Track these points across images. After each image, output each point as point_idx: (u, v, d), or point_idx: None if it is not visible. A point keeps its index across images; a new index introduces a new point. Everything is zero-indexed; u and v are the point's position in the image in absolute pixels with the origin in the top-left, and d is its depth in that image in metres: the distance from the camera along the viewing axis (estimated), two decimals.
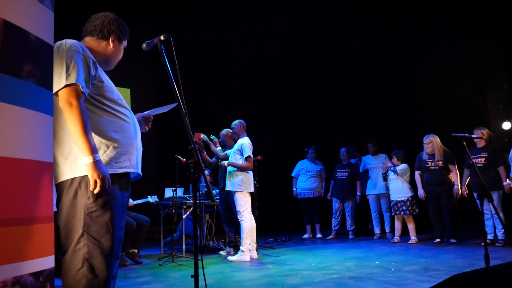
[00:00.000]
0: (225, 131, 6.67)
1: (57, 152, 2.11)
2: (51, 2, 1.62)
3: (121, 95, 2.37)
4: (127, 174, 2.29)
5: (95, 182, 2.03)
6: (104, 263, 2.07)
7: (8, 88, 1.38)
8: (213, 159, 6.61)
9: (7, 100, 1.38)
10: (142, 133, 2.50)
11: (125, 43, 2.50)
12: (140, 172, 2.39)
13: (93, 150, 2.03)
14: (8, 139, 1.38)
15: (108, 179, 2.07)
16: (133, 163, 2.30)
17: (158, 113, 2.71)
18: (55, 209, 1.80)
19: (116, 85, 2.37)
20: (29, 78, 1.48)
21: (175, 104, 2.59)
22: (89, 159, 2.02)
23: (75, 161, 2.09)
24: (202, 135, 6.05)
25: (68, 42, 2.14)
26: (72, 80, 2.03)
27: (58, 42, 2.13)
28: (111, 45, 2.39)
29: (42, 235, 1.55)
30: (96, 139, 2.13)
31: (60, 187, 2.12)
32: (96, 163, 2.03)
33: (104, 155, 2.15)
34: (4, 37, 1.37)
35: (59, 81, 2.04)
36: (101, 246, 2.08)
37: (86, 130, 2.02)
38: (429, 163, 6.70)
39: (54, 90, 2.01)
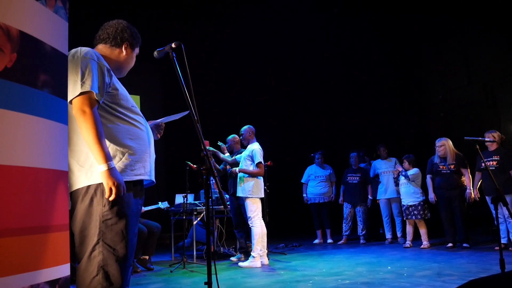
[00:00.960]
0: (231, 136, 6.69)
1: (72, 160, 2.12)
2: (65, 12, 1.64)
3: (134, 103, 2.38)
4: (141, 181, 2.31)
5: (110, 189, 2.04)
6: (119, 271, 2.08)
7: (24, 98, 1.40)
8: (221, 166, 6.63)
9: (23, 109, 1.39)
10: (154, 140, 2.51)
11: (137, 50, 2.52)
12: (154, 179, 2.40)
13: (107, 158, 2.04)
14: (24, 149, 1.40)
15: (123, 186, 2.08)
16: (148, 170, 2.31)
17: (170, 121, 2.72)
18: None
19: (125, 85, 2.39)
20: (44, 88, 1.49)
21: (186, 112, 2.60)
22: (103, 167, 2.03)
23: (91, 169, 2.10)
24: (208, 147, 6.07)
25: (83, 50, 2.16)
26: (87, 88, 2.05)
27: (73, 50, 2.15)
28: (124, 52, 2.41)
29: (58, 243, 1.56)
30: (112, 146, 2.14)
31: (75, 194, 2.12)
32: (111, 171, 2.04)
33: (119, 162, 2.16)
34: (20, 47, 1.39)
35: (74, 89, 2.05)
36: (116, 254, 2.09)
37: (100, 137, 2.04)
38: (441, 166, 6.65)
39: (69, 98, 2.03)
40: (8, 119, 1.34)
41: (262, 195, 5.90)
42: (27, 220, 1.41)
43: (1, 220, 1.30)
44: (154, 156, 2.42)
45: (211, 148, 6.20)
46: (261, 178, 5.93)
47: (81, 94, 2.05)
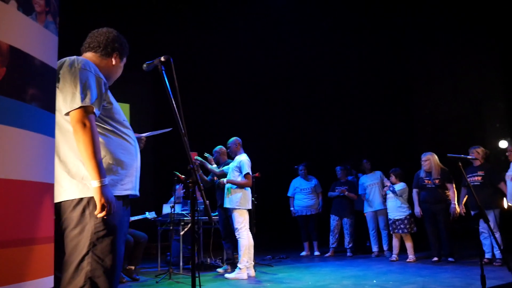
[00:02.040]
0: (218, 148, 6.71)
1: (62, 171, 2.12)
2: (55, 26, 1.66)
3: (125, 117, 2.41)
4: (127, 195, 2.32)
5: (102, 206, 2.04)
6: (106, 282, 2.08)
7: (12, 112, 1.41)
8: (209, 177, 6.63)
9: (11, 123, 1.41)
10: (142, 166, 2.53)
11: (125, 60, 2.54)
12: (138, 193, 2.42)
13: (102, 174, 2.04)
14: (10, 161, 1.41)
15: (113, 204, 2.08)
16: (135, 185, 2.33)
17: (151, 135, 2.77)
18: None
19: (115, 95, 2.41)
20: (33, 101, 1.51)
21: (169, 129, 2.70)
22: (96, 183, 2.03)
23: (83, 181, 2.09)
24: (196, 157, 6.09)
25: (80, 60, 2.17)
26: (87, 101, 2.06)
27: (68, 60, 2.16)
28: (114, 62, 2.43)
29: (42, 256, 1.57)
30: (105, 159, 2.15)
31: (64, 205, 2.10)
32: (103, 188, 2.04)
33: (112, 176, 2.16)
34: (9, 62, 1.41)
35: (73, 101, 2.05)
36: (105, 265, 2.09)
37: (97, 153, 2.04)
38: (426, 181, 6.72)
39: (67, 110, 2.06)
40: None
41: (250, 207, 5.91)
42: (11, 233, 1.42)
43: None
44: (139, 169, 2.44)
45: (199, 158, 6.21)
46: (249, 189, 5.95)
47: (81, 107, 2.05)
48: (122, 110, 2.39)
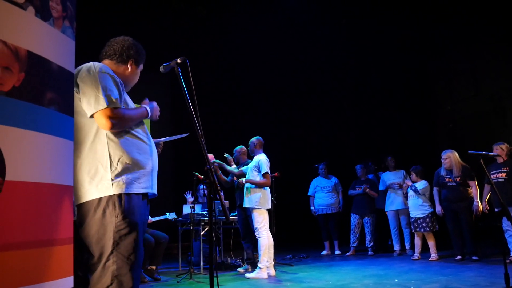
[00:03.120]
0: (239, 148, 6.72)
1: (83, 173, 2.16)
2: (72, 31, 1.69)
3: None
4: (147, 193, 2.36)
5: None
6: (131, 279, 2.14)
7: (30, 116, 1.45)
8: (229, 177, 6.65)
9: (30, 127, 1.44)
10: (162, 167, 2.57)
11: (141, 66, 2.59)
12: (156, 192, 2.45)
13: (144, 109, 2.41)
14: (30, 165, 1.44)
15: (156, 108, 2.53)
16: (153, 183, 2.38)
17: (169, 140, 2.80)
18: None
19: (134, 102, 2.47)
20: (51, 105, 1.54)
21: (186, 134, 2.75)
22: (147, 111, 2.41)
23: (102, 181, 2.15)
24: (213, 160, 6.13)
25: (97, 65, 2.24)
26: (112, 101, 2.15)
27: (85, 65, 2.23)
28: (129, 69, 2.48)
29: (62, 257, 1.60)
30: (122, 159, 2.20)
31: (85, 207, 2.16)
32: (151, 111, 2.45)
33: (129, 175, 2.21)
34: (28, 67, 1.44)
35: (97, 102, 2.13)
36: (129, 263, 2.14)
37: (135, 113, 2.31)
38: (447, 179, 6.60)
39: (92, 112, 2.13)
40: (15, 136, 1.38)
41: (269, 206, 5.91)
42: (31, 234, 1.45)
43: (6, 234, 1.34)
44: (157, 169, 2.48)
45: (218, 161, 6.23)
46: (268, 189, 5.94)
47: (108, 106, 2.13)
48: None
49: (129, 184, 2.19)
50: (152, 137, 2.62)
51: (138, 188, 2.25)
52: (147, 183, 2.31)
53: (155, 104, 2.57)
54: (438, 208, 6.63)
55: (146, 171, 2.31)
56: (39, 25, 1.52)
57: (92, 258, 2.13)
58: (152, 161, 2.39)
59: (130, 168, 2.23)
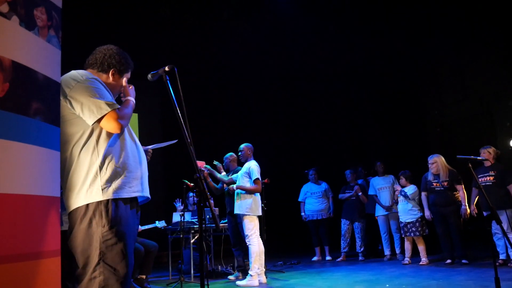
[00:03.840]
0: (229, 155, 6.71)
1: (74, 180, 2.14)
2: (58, 41, 1.67)
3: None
4: (136, 198, 2.34)
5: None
6: None
7: (16, 127, 1.42)
8: (219, 185, 6.62)
9: (15, 138, 1.42)
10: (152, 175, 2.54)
11: (127, 75, 2.56)
12: (149, 195, 2.43)
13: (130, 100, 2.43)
14: (15, 176, 1.42)
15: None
16: (144, 187, 2.37)
17: (158, 148, 2.78)
18: None
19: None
20: (37, 116, 1.52)
21: (174, 141, 2.75)
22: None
23: (91, 187, 2.12)
24: (204, 166, 6.09)
25: (82, 73, 2.25)
26: (113, 103, 2.18)
27: (69, 75, 2.20)
28: (111, 78, 2.45)
29: (50, 269, 1.57)
30: (111, 165, 2.18)
31: (74, 215, 2.13)
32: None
33: (119, 179, 2.19)
34: (12, 77, 1.42)
35: (99, 108, 2.13)
36: (117, 274, 2.10)
37: (130, 109, 2.35)
38: (434, 184, 6.64)
39: (96, 118, 2.13)
40: (0, 147, 1.36)
41: (260, 213, 5.89)
42: (18, 247, 1.42)
43: None
44: (147, 173, 2.46)
45: (208, 167, 6.21)
46: (259, 195, 5.93)
47: (111, 110, 2.16)
48: None
49: (119, 189, 2.17)
50: (141, 145, 2.60)
51: (129, 192, 2.23)
52: (138, 187, 2.29)
53: (132, 87, 2.58)
54: (427, 213, 6.66)
55: (136, 175, 2.30)
56: (24, 35, 1.50)
57: (77, 269, 2.09)
58: (141, 166, 2.38)
59: (120, 173, 2.21)
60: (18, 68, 1.44)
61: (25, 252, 1.45)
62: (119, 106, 2.21)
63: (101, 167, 2.15)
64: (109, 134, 2.23)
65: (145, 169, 2.42)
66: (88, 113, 2.13)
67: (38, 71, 1.54)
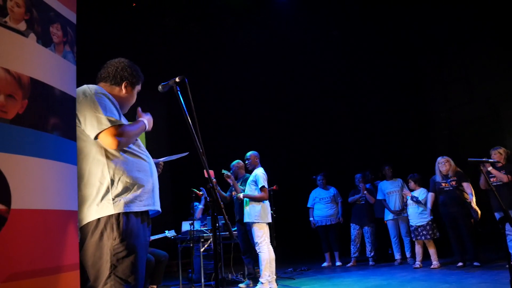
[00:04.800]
0: (236, 162, 6.71)
1: (84, 195, 2.15)
2: (73, 56, 1.69)
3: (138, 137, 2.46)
4: (147, 211, 2.35)
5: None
6: None
7: (35, 142, 1.44)
8: (227, 193, 6.63)
9: (34, 153, 1.43)
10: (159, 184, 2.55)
11: (138, 87, 2.58)
12: (160, 209, 2.44)
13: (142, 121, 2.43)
14: (35, 192, 1.43)
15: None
16: (155, 200, 2.38)
17: (169, 160, 2.79)
18: None
19: (131, 120, 2.47)
20: (54, 131, 1.54)
21: (186, 153, 2.77)
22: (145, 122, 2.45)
23: (102, 202, 2.14)
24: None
25: (92, 87, 2.25)
26: (114, 119, 2.17)
27: (80, 89, 2.22)
28: (124, 90, 2.48)
29: (69, 283, 1.58)
30: (122, 178, 2.20)
31: (85, 229, 2.14)
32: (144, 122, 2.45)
33: (130, 193, 2.20)
34: (31, 93, 1.44)
35: (100, 122, 2.14)
36: (128, 286, 2.11)
37: (136, 128, 2.33)
38: (443, 184, 6.60)
39: (96, 133, 2.13)
40: (20, 164, 1.37)
41: (270, 220, 5.88)
42: (39, 262, 1.43)
43: (14, 264, 1.33)
44: (158, 186, 2.47)
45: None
46: (268, 202, 5.92)
47: (111, 126, 2.15)
48: None
49: (130, 203, 2.18)
50: (152, 157, 2.62)
51: (140, 206, 2.24)
52: (148, 201, 2.30)
53: (149, 115, 2.58)
54: (429, 205, 6.63)
55: (147, 188, 2.30)
56: (41, 52, 1.52)
57: (88, 282, 2.10)
58: (152, 179, 2.39)
59: (131, 187, 2.22)
60: (36, 85, 1.46)
61: (45, 267, 1.46)
62: (122, 123, 2.20)
63: (112, 181, 2.16)
64: (119, 149, 2.25)
65: (156, 182, 2.43)
66: (90, 127, 2.15)
67: (55, 86, 1.56)
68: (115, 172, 2.18)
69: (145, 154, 2.42)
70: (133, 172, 2.25)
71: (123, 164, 2.22)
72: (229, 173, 6.27)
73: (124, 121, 2.37)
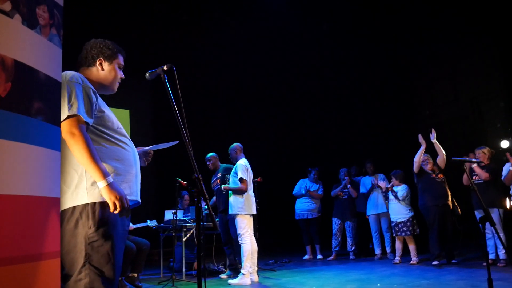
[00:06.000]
0: (211, 155, 6.68)
1: (61, 181, 2.10)
2: (59, 39, 1.65)
3: (120, 124, 2.40)
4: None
5: (114, 203, 2.07)
6: None
7: (17, 127, 1.40)
8: (212, 181, 6.66)
9: (17, 138, 1.40)
10: (143, 173, 2.50)
11: (118, 61, 2.47)
12: (139, 199, 2.40)
13: (105, 174, 2.08)
14: (16, 177, 1.40)
15: (125, 198, 2.12)
16: (133, 190, 2.33)
17: (159, 149, 2.74)
18: None
19: (115, 107, 2.43)
20: (38, 115, 1.50)
21: (176, 142, 2.69)
22: (103, 183, 2.06)
23: (76, 190, 2.10)
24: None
25: (68, 74, 2.19)
26: (74, 111, 2.07)
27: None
28: (100, 68, 2.41)
29: (49, 271, 1.56)
30: None
31: (61, 216, 2.11)
32: (111, 185, 2.07)
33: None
34: (14, 76, 1.40)
35: (62, 112, 2.06)
36: (103, 276, 2.08)
37: (94, 156, 2.06)
38: (433, 175, 6.68)
39: (59, 122, 2.03)
40: (2, 148, 1.34)
41: (254, 212, 5.89)
42: (19, 249, 1.41)
43: None
44: (140, 177, 2.43)
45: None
46: (252, 193, 5.93)
47: (68, 117, 2.06)
48: (116, 117, 2.40)
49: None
50: (138, 146, 2.58)
51: None
52: (127, 190, 2.25)
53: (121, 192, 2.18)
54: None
55: (124, 178, 2.26)
56: (26, 33, 1.47)
57: (63, 270, 2.07)
58: (133, 169, 2.35)
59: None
60: (21, 68, 1.42)
61: (25, 254, 1.43)
62: (83, 120, 2.09)
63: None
64: (97, 135, 2.21)
65: (137, 172, 2.38)
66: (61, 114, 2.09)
67: (40, 70, 1.52)
68: None
69: (126, 143, 2.35)
70: (109, 161, 2.21)
71: (99, 152, 2.16)
72: (226, 186, 6.10)
73: (104, 108, 2.29)
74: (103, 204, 2.12)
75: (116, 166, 2.23)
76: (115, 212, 2.09)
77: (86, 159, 2.04)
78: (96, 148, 2.16)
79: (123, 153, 2.30)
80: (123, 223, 2.25)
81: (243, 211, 5.75)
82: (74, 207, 2.09)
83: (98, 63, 2.40)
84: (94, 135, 2.20)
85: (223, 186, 5.96)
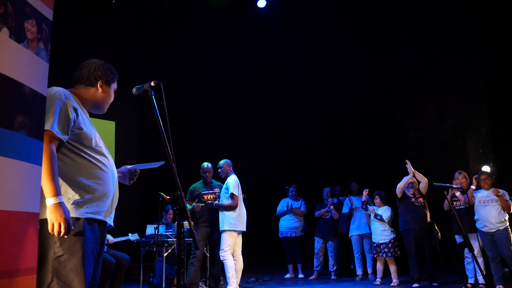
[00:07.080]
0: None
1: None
2: (46, 54, 1.65)
3: (101, 143, 2.38)
4: (100, 221, 2.28)
5: (53, 224, 1.98)
6: None
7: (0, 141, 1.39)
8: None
9: None
10: (126, 186, 2.49)
11: (114, 85, 2.55)
12: (111, 223, 2.38)
13: (57, 192, 2.00)
14: None
15: (69, 222, 2.02)
16: (103, 210, 2.28)
17: (145, 169, 2.73)
18: None
19: (101, 118, 2.42)
20: (21, 130, 1.49)
21: (162, 162, 2.69)
22: (51, 201, 1.99)
23: (42, 203, 2.03)
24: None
25: (53, 89, 2.18)
26: (47, 126, 2.04)
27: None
28: (100, 90, 2.45)
29: (25, 287, 1.53)
30: (65, 184, 2.13)
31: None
32: (57, 205, 1.99)
33: (70, 199, 2.14)
34: None
35: (46, 123, 2.04)
36: None
37: (52, 173, 2.00)
38: (413, 199, 6.73)
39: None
40: None
41: (244, 229, 5.92)
42: None
43: None
44: (117, 197, 2.41)
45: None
46: (244, 210, 5.97)
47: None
48: (99, 137, 2.39)
49: (72, 208, 2.11)
50: (123, 158, 2.56)
51: (82, 213, 2.16)
52: (93, 209, 2.21)
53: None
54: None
55: (94, 197, 2.22)
56: (13, 47, 1.47)
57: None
58: (106, 188, 2.30)
59: (75, 192, 2.15)
60: (5, 81, 1.41)
61: (1, 270, 1.41)
62: (58, 134, 2.08)
63: None
64: (72, 152, 2.19)
65: (110, 192, 2.33)
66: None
67: (25, 84, 1.51)
68: (60, 174, 2.09)
69: (104, 162, 2.32)
70: (80, 179, 2.18)
71: (70, 167, 2.16)
72: (217, 203, 6.06)
73: (83, 125, 2.26)
74: (72, 219, 2.07)
75: (86, 184, 2.20)
76: (55, 234, 1.99)
77: (44, 174, 1.97)
78: (68, 164, 2.15)
79: (97, 172, 2.27)
80: (94, 241, 2.22)
81: (235, 227, 5.75)
82: (41, 220, 2.01)
83: (99, 84, 2.43)
84: (69, 151, 2.19)
85: (214, 204, 5.96)
